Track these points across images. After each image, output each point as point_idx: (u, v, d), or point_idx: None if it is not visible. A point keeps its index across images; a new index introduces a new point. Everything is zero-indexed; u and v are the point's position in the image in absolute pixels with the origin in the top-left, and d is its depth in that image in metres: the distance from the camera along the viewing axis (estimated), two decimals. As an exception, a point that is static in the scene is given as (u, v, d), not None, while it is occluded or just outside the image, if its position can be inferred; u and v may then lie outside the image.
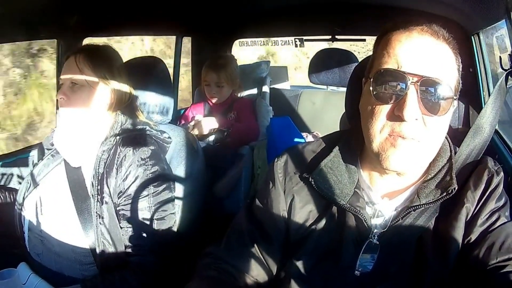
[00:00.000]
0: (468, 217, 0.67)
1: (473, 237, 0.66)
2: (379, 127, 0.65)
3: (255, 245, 0.77)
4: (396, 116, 0.63)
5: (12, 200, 1.25)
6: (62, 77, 1.06)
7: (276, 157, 0.82)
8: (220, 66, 1.82)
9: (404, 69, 0.63)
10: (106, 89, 1.07)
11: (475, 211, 0.67)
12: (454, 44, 0.67)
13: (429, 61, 0.63)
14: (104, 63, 1.07)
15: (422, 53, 0.63)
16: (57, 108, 1.12)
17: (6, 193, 1.27)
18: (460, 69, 0.68)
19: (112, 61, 1.10)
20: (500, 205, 0.68)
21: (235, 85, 1.87)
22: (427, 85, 0.62)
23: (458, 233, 0.66)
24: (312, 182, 0.72)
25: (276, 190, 0.78)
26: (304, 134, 1.70)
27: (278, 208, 0.77)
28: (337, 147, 0.75)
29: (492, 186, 0.68)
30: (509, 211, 0.69)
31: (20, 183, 1.33)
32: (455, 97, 0.65)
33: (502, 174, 0.70)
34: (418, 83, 0.62)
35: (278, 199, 0.77)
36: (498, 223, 0.66)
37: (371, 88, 0.65)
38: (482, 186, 0.68)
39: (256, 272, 0.77)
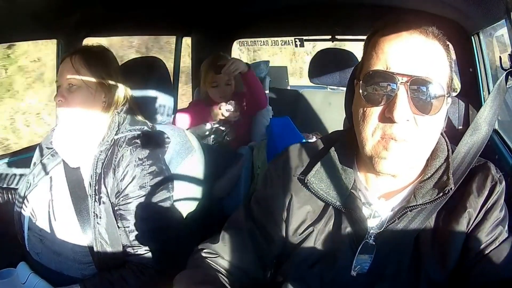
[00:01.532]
0: (471, 223, 0.67)
1: (477, 247, 0.66)
2: (371, 130, 0.64)
3: (253, 243, 0.77)
4: (387, 118, 0.62)
5: (12, 200, 1.26)
6: (59, 78, 1.06)
7: (275, 156, 0.81)
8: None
9: (393, 70, 0.61)
10: (104, 89, 1.07)
11: (479, 219, 0.67)
12: (444, 40, 0.65)
13: (419, 60, 0.62)
14: (100, 63, 1.07)
15: (411, 52, 0.62)
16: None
17: (6, 193, 1.27)
18: (453, 65, 0.67)
19: (108, 61, 1.10)
20: (501, 216, 0.68)
21: (235, 79, 1.88)
22: (417, 84, 0.61)
23: (458, 237, 0.66)
24: (308, 184, 0.72)
25: (275, 190, 0.77)
26: (304, 134, 1.70)
27: (277, 207, 0.76)
28: (333, 148, 0.75)
29: (496, 195, 0.67)
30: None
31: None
32: (447, 95, 0.64)
33: (504, 183, 0.69)
34: (408, 83, 0.61)
35: (277, 198, 0.76)
36: (501, 238, 0.66)
37: (361, 91, 0.64)
38: (486, 193, 0.67)
39: (253, 270, 0.77)
